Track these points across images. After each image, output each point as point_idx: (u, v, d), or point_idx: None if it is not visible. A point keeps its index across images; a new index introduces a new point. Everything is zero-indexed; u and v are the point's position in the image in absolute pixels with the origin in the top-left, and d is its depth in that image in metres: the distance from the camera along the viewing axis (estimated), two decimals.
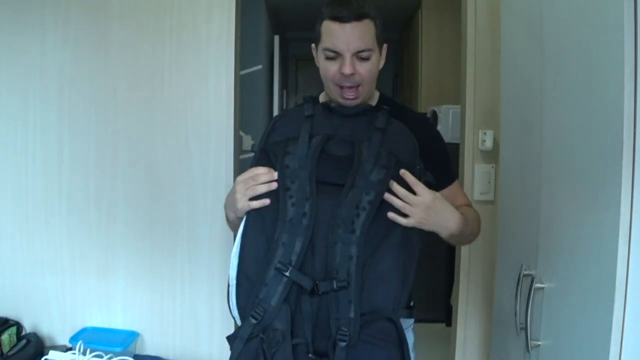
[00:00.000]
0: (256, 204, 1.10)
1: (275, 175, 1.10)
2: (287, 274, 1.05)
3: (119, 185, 1.97)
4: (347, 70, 1.17)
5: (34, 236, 1.98)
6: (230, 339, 1.11)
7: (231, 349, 1.09)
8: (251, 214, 1.11)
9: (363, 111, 1.17)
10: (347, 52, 1.18)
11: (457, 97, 2.35)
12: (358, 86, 1.21)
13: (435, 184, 1.19)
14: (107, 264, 1.98)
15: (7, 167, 1.97)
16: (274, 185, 1.10)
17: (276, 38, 4.60)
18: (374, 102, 1.33)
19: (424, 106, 4.50)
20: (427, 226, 1.11)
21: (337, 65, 1.19)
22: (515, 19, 1.47)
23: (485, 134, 1.98)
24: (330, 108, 1.17)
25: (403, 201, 1.08)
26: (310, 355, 1.05)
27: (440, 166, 1.32)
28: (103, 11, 1.93)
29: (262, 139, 1.17)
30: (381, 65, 1.28)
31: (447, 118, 3.32)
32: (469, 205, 1.36)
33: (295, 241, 1.05)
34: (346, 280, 1.03)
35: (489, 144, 1.98)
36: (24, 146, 1.97)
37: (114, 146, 1.96)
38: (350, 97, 1.21)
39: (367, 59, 1.20)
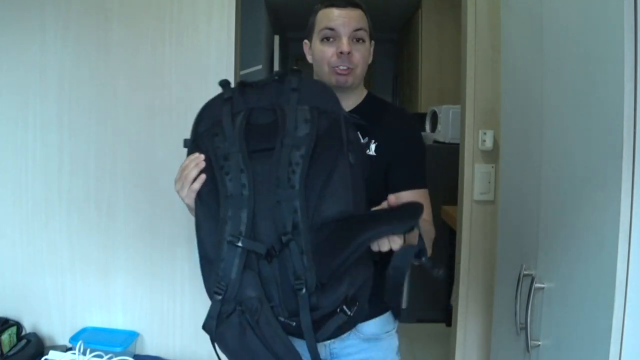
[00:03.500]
0: (196, 184, 1.12)
1: (202, 156, 1.13)
2: (239, 244, 1.06)
3: (119, 185, 1.97)
4: (345, 48, 1.25)
5: (34, 236, 1.98)
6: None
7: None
8: (198, 205, 1.14)
9: (275, 78, 1.18)
10: (345, 31, 1.26)
11: (457, 97, 2.35)
12: (351, 69, 1.28)
13: (401, 184, 1.27)
14: (107, 264, 1.98)
15: (7, 167, 1.97)
16: (202, 163, 1.12)
17: (276, 38, 4.60)
18: (361, 98, 1.37)
19: (424, 106, 4.50)
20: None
21: (334, 47, 1.27)
22: (515, 19, 1.47)
23: (485, 134, 1.98)
24: (245, 85, 1.19)
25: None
26: (280, 318, 1.07)
27: (411, 166, 1.33)
28: (103, 11, 1.93)
29: (192, 131, 1.20)
30: (370, 60, 1.35)
31: (447, 118, 3.32)
32: (429, 222, 1.32)
33: (241, 213, 1.07)
34: (293, 232, 1.05)
35: (489, 144, 1.98)
36: (24, 146, 1.96)
37: (114, 146, 1.96)
38: (344, 72, 1.27)
39: (362, 40, 1.29)
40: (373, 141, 1.30)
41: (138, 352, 1.97)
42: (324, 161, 1.09)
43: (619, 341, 0.92)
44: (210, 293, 1.10)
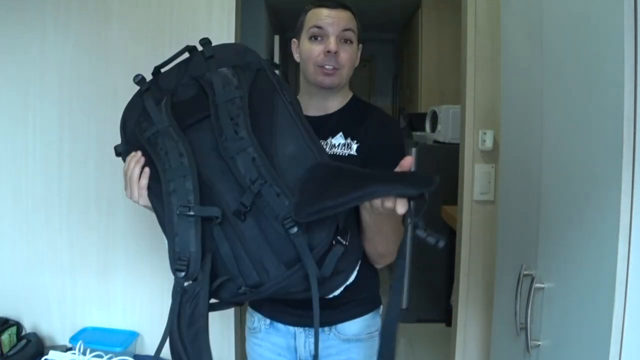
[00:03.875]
0: (142, 181, 1.09)
1: (139, 152, 1.10)
2: (190, 212, 1.02)
3: (119, 185, 1.96)
4: (332, 47, 1.24)
5: (34, 236, 1.98)
6: None
7: None
8: (153, 200, 1.10)
9: (183, 53, 1.18)
10: (334, 31, 1.26)
11: (457, 97, 2.35)
12: (337, 70, 1.27)
13: None
14: (107, 264, 1.98)
15: (7, 167, 1.97)
16: (142, 159, 1.10)
17: (276, 38, 4.60)
18: (346, 100, 1.36)
19: (424, 106, 4.50)
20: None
21: (322, 46, 1.26)
22: (515, 19, 1.47)
23: (485, 134, 1.98)
24: (158, 71, 1.18)
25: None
26: (241, 289, 1.03)
27: (386, 167, 1.29)
28: (103, 11, 1.93)
29: (121, 136, 1.18)
30: (356, 63, 1.34)
31: (447, 118, 3.32)
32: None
33: (185, 182, 1.04)
34: (259, 177, 1.01)
35: (489, 144, 1.98)
36: (24, 146, 1.97)
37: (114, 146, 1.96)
38: (330, 72, 1.26)
39: (349, 42, 1.28)
40: (355, 141, 1.29)
41: (138, 352, 1.98)
42: (263, 105, 1.08)
43: (619, 341, 0.92)
44: (172, 270, 1.05)
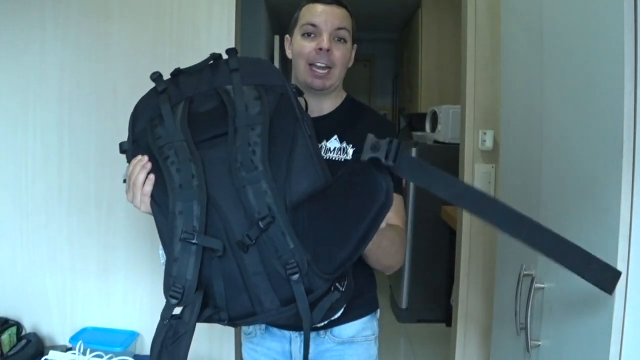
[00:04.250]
0: (147, 187, 1.04)
1: (145, 157, 1.05)
2: (194, 241, 0.98)
3: (119, 185, 1.96)
4: (325, 44, 1.21)
5: (34, 236, 1.98)
6: None
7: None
8: (155, 209, 1.05)
9: (210, 62, 1.12)
10: (327, 28, 1.23)
11: (457, 97, 2.35)
12: (329, 69, 1.24)
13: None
14: (107, 264, 1.98)
15: (7, 167, 1.97)
16: (148, 164, 1.05)
17: (276, 38, 4.60)
18: (340, 101, 1.34)
19: (424, 106, 4.50)
20: None
21: (314, 43, 1.23)
22: (515, 19, 1.47)
23: (485, 134, 1.98)
24: (179, 73, 1.12)
25: None
26: (224, 321, 1.01)
27: None
28: (103, 11, 1.93)
29: (129, 132, 1.12)
30: (350, 63, 1.31)
31: (447, 118, 3.32)
32: (402, 228, 1.24)
33: (193, 205, 0.99)
34: (269, 215, 0.97)
35: (489, 144, 1.98)
36: (24, 146, 1.97)
37: (114, 146, 1.95)
38: (321, 73, 1.23)
39: (343, 40, 1.25)
40: (350, 146, 1.26)
41: (138, 352, 1.98)
42: (283, 137, 1.03)
43: (619, 341, 0.92)
44: (166, 295, 1.01)
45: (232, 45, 1.93)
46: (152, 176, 1.05)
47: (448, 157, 2.87)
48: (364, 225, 0.94)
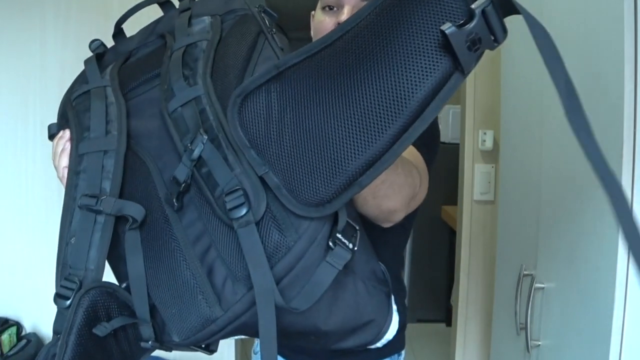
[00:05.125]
0: (63, 159, 0.81)
1: (67, 132, 0.81)
2: (98, 207, 0.68)
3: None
4: (344, 19, 0.95)
5: (34, 236, 1.98)
6: None
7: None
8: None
9: (156, 19, 0.91)
10: (350, 1, 0.97)
11: (457, 97, 2.35)
12: None
13: None
14: (107, 264, 1.98)
15: (7, 167, 1.97)
16: (68, 143, 0.80)
17: None
18: None
19: None
20: None
21: (335, 17, 1.00)
22: (515, 19, 1.47)
23: (485, 134, 1.98)
24: (121, 30, 0.93)
25: None
26: (147, 343, 0.67)
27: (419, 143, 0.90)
28: (103, 11, 1.93)
29: (58, 111, 0.90)
30: None
31: (447, 118, 3.32)
32: (409, 164, 0.84)
33: (102, 159, 0.71)
34: (203, 135, 0.64)
35: (489, 144, 1.98)
36: (24, 146, 1.97)
37: None
38: None
39: None
40: None
41: None
42: (239, 47, 0.73)
43: (619, 341, 0.92)
44: (55, 295, 0.70)
45: None
46: (67, 145, 0.80)
47: (448, 157, 2.87)
48: (419, 95, 0.55)
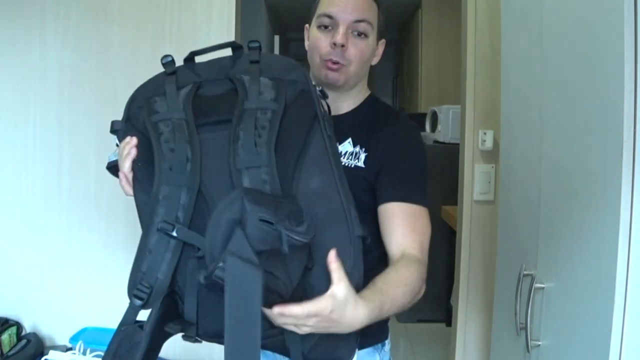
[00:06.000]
0: (126, 163, 0.94)
1: (134, 138, 0.94)
2: (173, 233, 0.84)
3: (119, 185, 1.96)
4: (339, 39, 1.06)
5: (34, 236, 1.98)
6: None
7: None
8: (136, 184, 0.95)
9: (226, 46, 1.01)
10: (344, 20, 1.07)
11: (457, 97, 2.35)
12: (344, 66, 1.09)
13: (390, 193, 1.03)
14: (107, 264, 1.98)
15: (7, 167, 1.97)
16: (134, 150, 0.93)
17: (276, 38, 4.60)
18: (362, 99, 1.18)
19: (424, 106, 4.50)
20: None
21: (330, 36, 1.08)
22: (515, 19, 1.47)
23: (485, 134, 1.98)
24: (193, 56, 1.03)
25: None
26: (197, 338, 0.90)
27: (405, 175, 1.07)
28: (103, 11, 1.93)
29: (124, 111, 1.01)
30: (374, 62, 1.17)
31: (447, 118, 3.32)
32: (421, 252, 1.02)
33: (180, 192, 0.85)
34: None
35: (489, 144, 1.98)
36: (24, 146, 1.97)
37: (114, 146, 1.95)
38: (334, 67, 1.08)
39: (364, 35, 1.09)
40: (363, 150, 1.10)
41: None
42: (297, 128, 0.89)
43: (619, 341, 0.92)
44: (130, 293, 0.88)
45: None
46: (133, 150, 0.93)
47: (448, 157, 2.87)
48: None
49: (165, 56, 0.99)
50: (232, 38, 1.93)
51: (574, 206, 1.10)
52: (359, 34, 1.09)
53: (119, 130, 1.01)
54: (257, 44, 0.96)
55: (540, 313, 1.23)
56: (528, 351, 1.23)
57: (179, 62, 1.06)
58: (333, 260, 0.78)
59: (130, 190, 0.96)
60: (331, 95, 1.06)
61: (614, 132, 0.93)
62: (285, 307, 0.73)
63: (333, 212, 0.88)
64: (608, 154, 0.95)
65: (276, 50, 4.56)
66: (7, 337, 1.85)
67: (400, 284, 0.92)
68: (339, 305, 0.76)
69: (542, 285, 1.22)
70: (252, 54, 0.95)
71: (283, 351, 0.90)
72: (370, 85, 1.24)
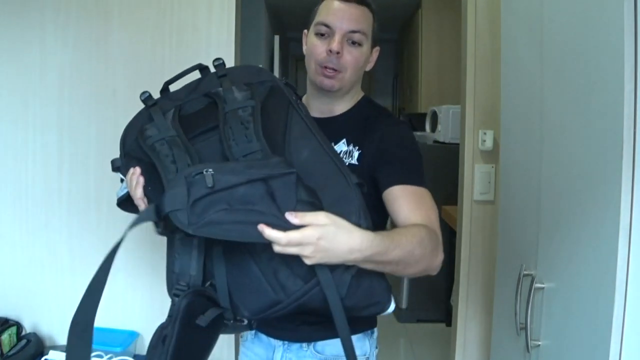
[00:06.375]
0: (138, 190, 1.02)
1: (138, 168, 1.03)
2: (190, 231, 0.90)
3: (119, 185, 1.96)
4: (335, 46, 1.13)
5: (34, 236, 1.98)
6: None
7: None
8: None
9: (195, 69, 1.11)
10: (340, 29, 1.15)
11: (457, 97, 2.35)
12: (339, 72, 1.17)
13: (391, 179, 1.10)
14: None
15: (7, 167, 1.97)
16: (141, 178, 1.03)
17: (276, 38, 4.60)
18: (355, 101, 1.25)
19: (424, 106, 4.50)
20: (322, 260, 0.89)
21: (326, 44, 1.16)
22: (515, 19, 1.47)
23: (485, 134, 1.98)
24: (167, 87, 1.11)
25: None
26: (230, 321, 0.97)
27: (402, 162, 1.14)
28: (103, 11, 1.93)
29: (120, 149, 1.11)
30: (368, 68, 1.24)
31: (447, 118, 3.32)
32: (426, 226, 1.06)
33: None
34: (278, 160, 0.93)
35: (489, 144, 1.98)
36: (24, 146, 1.96)
37: (114, 146, 1.95)
38: (329, 74, 1.16)
39: (358, 44, 1.17)
40: (357, 148, 1.17)
41: (138, 352, 1.97)
42: (276, 116, 1.02)
43: (619, 341, 0.92)
44: (170, 294, 0.98)
45: (232, 45, 1.93)
46: (140, 178, 1.03)
47: (448, 157, 2.87)
48: None
49: (143, 92, 1.09)
50: (232, 38, 1.93)
51: (574, 206, 1.10)
52: (354, 43, 1.17)
53: (120, 166, 1.11)
54: (220, 61, 1.08)
55: (540, 313, 1.23)
56: (528, 351, 1.23)
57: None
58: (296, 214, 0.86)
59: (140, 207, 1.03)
60: (326, 98, 1.21)
61: (614, 132, 0.93)
62: (272, 229, 0.83)
63: (328, 171, 1.00)
64: (608, 154, 0.95)
65: (276, 50, 4.56)
66: (7, 337, 1.85)
67: (406, 233, 0.99)
68: (326, 232, 0.85)
69: (542, 285, 1.22)
70: (218, 70, 1.07)
71: (321, 303, 0.94)
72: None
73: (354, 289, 0.96)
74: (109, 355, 1.76)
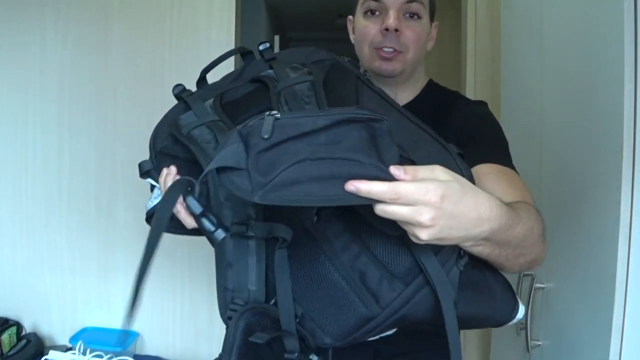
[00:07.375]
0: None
1: (173, 167, 0.83)
2: (250, 233, 0.74)
3: (119, 185, 1.96)
4: (391, 23, 0.94)
5: (34, 236, 1.98)
6: None
7: None
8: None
9: (234, 53, 0.94)
10: (394, 3, 0.96)
11: None
12: (400, 53, 0.97)
13: (477, 157, 0.89)
14: (107, 264, 1.98)
15: (7, 167, 1.97)
16: (175, 173, 0.82)
17: (276, 38, 4.59)
18: (421, 87, 1.06)
19: None
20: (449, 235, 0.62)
21: (379, 22, 0.96)
22: (515, 19, 1.47)
23: None
24: (203, 79, 0.95)
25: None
26: (294, 354, 0.73)
27: (487, 141, 0.95)
28: (103, 11, 1.93)
29: (150, 151, 0.93)
30: (430, 46, 1.06)
31: None
32: (529, 204, 0.86)
33: None
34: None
35: None
36: (24, 146, 1.96)
37: (114, 146, 1.96)
38: (388, 55, 0.96)
39: (417, 16, 0.98)
40: None
41: (138, 352, 1.97)
42: (344, 92, 0.82)
43: (619, 341, 0.92)
44: (224, 318, 0.77)
45: (231, 45, 1.93)
46: (177, 178, 0.81)
47: None
48: None
49: (176, 86, 0.92)
50: (232, 38, 1.93)
51: (573, 206, 1.10)
52: (412, 16, 0.98)
53: (150, 169, 0.90)
54: (267, 45, 0.90)
55: (540, 313, 1.23)
56: (528, 351, 1.23)
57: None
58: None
59: (192, 221, 0.80)
60: (386, 87, 0.96)
61: (614, 132, 0.93)
62: (371, 182, 0.58)
63: (418, 138, 0.78)
64: (608, 154, 0.95)
65: (276, 50, 4.56)
66: (7, 337, 1.85)
67: (518, 207, 0.76)
68: (451, 189, 0.60)
69: (542, 285, 1.22)
70: (266, 54, 0.89)
71: (427, 314, 0.71)
72: None
73: (470, 290, 0.72)
74: (109, 355, 1.76)
